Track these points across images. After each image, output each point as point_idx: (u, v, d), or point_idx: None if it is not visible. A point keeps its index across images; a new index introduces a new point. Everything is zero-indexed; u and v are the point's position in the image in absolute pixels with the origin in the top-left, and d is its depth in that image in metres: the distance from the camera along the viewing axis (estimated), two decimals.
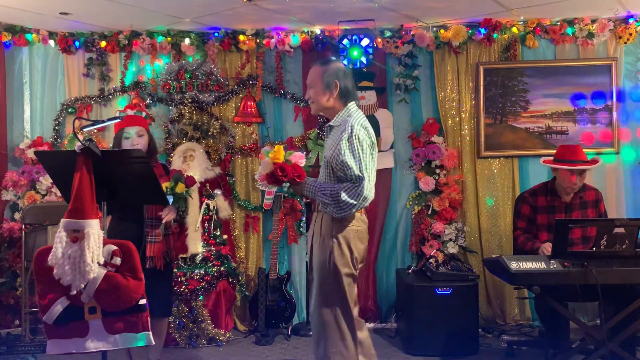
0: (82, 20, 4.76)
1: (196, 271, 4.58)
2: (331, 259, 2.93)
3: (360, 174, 2.83)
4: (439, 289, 4.20)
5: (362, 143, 2.88)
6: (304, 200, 3.15)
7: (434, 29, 4.96)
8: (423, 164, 5.01)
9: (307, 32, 5.03)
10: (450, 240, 4.90)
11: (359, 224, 3.05)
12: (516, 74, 4.96)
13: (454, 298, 4.19)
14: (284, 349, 4.46)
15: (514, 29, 4.90)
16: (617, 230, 3.34)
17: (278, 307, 4.68)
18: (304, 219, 5.02)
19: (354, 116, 2.95)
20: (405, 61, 5.02)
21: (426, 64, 5.08)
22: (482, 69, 4.96)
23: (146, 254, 3.34)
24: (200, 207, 4.74)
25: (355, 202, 2.84)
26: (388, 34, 5.01)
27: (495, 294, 5.00)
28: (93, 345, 2.66)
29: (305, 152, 4.80)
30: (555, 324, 3.92)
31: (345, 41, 4.81)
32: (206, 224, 4.78)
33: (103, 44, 5.08)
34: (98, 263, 2.59)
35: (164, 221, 3.40)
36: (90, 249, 2.56)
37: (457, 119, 5.04)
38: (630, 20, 4.82)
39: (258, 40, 5.06)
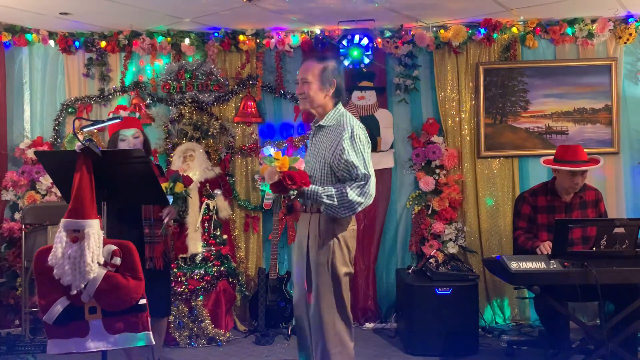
0: (82, 20, 4.76)
1: (196, 271, 4.58)
2: (333, 260, 2.94)
3: (366, 172, 2.86)
4: (439, 289, 4.20)
5: (364, 142, 2.94)
6: (286, 201, 3.12)
7: (434, 29, 4.97)
8: (423, 164, 5.01)
9: (307, 32, 5.03)
10: (450, 240, 4.91)
11: (355, 223, 3.07)
12: (516, 74, 4.96)
13: (454, 298, 4.19)
14: (284, 349, 4.46)
15: (514, 29, 4.90)
16: (617, 230, 3.34)
17: (278, 307, 4.68)
18: None
19: (348, 116, 2.99)
20: (405, 61, 5.02)
21: (426, 64, 5.08)
22: (482, 69, 4.96)
23: (145, 255, 3.33)
24: (200, 207, 4.75)
25: (362, 201, 2.86)
26: (388, 34, 5.01)
27: (495, 294, 5.00)
28: (93, 345, 2.66)
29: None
30: (555, 324, 3.92)
31: (345, 41, 4.81)
32: (206, 224, 4.78)
33: (103, 44, 5.08)
34: (98, 263, 2.59)
35: (165, 221, 3.40)
36: (90, 249, 2.56)
37: (457, 119, 5.05)
38: (630, 20, 4.82)
39: (258, 40, 5.06)
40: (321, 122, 3.01)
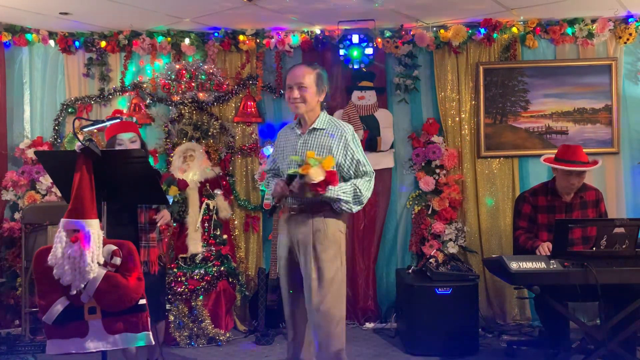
0: (82, 20, 4.76)
1: (196, 271, 4.58)
2: (342, 254, 3.11)
3: (371, 169, 3.11)
4: (439, 289, 4.20)
5: (360, 143, 3.17)
6: (274, 202, 3.13)
7: (434, 29, 4.96)
8: (423, 164, 5.01)
9: (307, 32, 5.03)
10: (450, 240, 4.91)
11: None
12: (516, 74, 4.96)
13: (454, 298, 4.19)
14: (284, 349, 4.44)
15: (514, 29, 4.90)
16: (617, 230, 3.34)
17: (278, 307, 4.67)
18: None
19: (335, 119, 3.20)
20: (405, 61, 5.02)
21: (426, 64, 5.08)
22: (482, 69, 4.96)
23: (141, 258, 3.31)
24: (200, 207, 4.75)
25: (369, 195, 3.09)
26: (388, 34, 5.01)
27: (495, 294, 5.00)
28: (93, 345, 2.65)
29: None
30: (555, 324, 3.92)
31: (345, 41, 4.82)
32: (206, 224, 4.78)
33: (103, 44, 5.08)
34: (98, 263, 2.59)
35: (158, 224, 3.37)
36: (90, 249, 2.56)
37: (457, 119, 5.04)
38: (630, 20, 4.82)
39: (258, 40, 5.06)
40: (315, 125, 3.11)
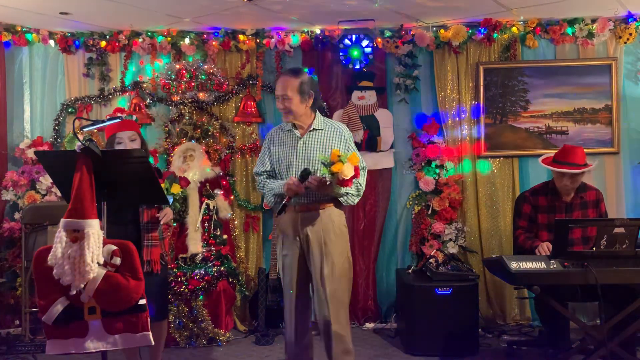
0: (82, 20, 4.76)
1: (196, 271, 4.58)
2: (348, 246, 3.29)
3: (365, 164, 3.27)
4: (439, 289, 4.20)
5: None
6: (285, 200, 3.15)
7: (434, 29, 4.96)
8: (423, 164, 5.01)
9: (307, 32, 5.03)
10: (450, 240, 4.90)
11: None
12: (516, 74, 4.96)
13: (454, 298, 4.19)
14: (284, 348, 4.45)
15: (514, 29, 4.90)
16: (617, 230, 3.34)
17: (278, 307, 4.67)
18: None
19: (330, 120, 3.38)
20: (405, 61, 5.02)
21: (426, 64, 5.08)
22: (482, 69, 4.96)
23: (143, 258, 3.31)
24: (200, 207, 4.75)
25: (364, 187, 3.26)
26: (388, 34, 5.01)
27: (495, 294, 5.00)
28: (93, 345, 2.65)
29: None
30: (555, 324, 3.92)
31: (345, 41, 4.82)
32: (206, 224, 4.78)
33: (103, 44, 5.08)
34: (98, 263, 2.59)
35: (162, 223, 3.38)
36: (90, 249, 2.55)
37: (457, 119, 5.04)
38: (630, 20, 4.82)
39: (258, 40, 5.06)
40: (314, 126, 3.25)
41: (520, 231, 4.03)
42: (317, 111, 3.32)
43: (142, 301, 2.67)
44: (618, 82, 4.91)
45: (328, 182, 2.99)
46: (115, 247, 2.65)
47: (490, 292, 4.99)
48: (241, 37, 5.03)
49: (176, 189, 3.44)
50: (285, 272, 3.30)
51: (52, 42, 5.06)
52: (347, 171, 2.94)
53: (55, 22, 4.82)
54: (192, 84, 4.95)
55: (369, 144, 4.96)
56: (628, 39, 4.85)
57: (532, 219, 4.02)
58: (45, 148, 4.95)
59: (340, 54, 4.85)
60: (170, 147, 4.97)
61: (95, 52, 5.11)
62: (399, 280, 4.69)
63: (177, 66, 4.95)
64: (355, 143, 3.70)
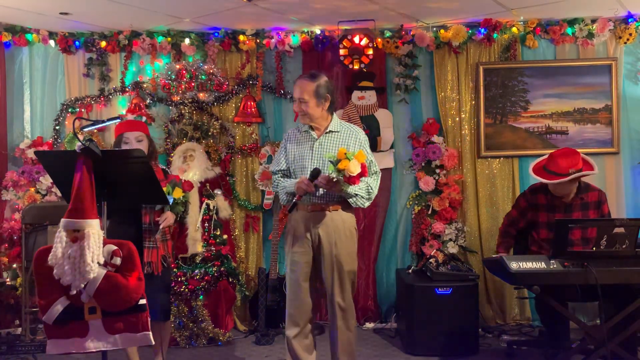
0: (82, 20, 4.76)
1: (196, 271, 4.58)
2: (355, 248, 3.39)
3: (379, 169, 3.39)
4: (439, 289, 4.20)
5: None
6: (295, 199, 3.27)
7: (434, 29, 4.96)
8: (423, 164, 5.01)
9: (307, 32, 5.03)
10: (450, 240, 4.91)
11: None
12: (516, 74, 4.96)
13: (454, 298, 4.19)
14: (284, 349, 4.43)
15: (514, 29, 4.90)
16: (617, 230, 3.34)
17: (278, 307, 4.67)
18: None
19: (347, 123, 3.48)
20: (405, 61, 5.02)
21: (426, 64, 5.08)
22: (482, 69, 4.96)
23: (143, 259, 3.31)
24: (200, 207, 4.75)
25: (376, 192, 3.35)
26: (388, 34, 5.01)
27: (495, 294, 5.00)
28: (93, 345, 2.65)
29: None
30: (555, 324, 3.92)
31: (345, 41, 4.81)
32: (206, 224, 4.78)
33: (103, 44, 5.08)
34: (98, 263, 2.59)
35: (161, 227, 3.36)
36: (90, 249, 2.55)
37: (457, 119, 5.04)
38: (630, 20, 4.82)
39: (258, 40, 5.06)
40: (330, 128, 3.35)
41: (506, 218, 4.20)
42: (334, 113, 3.41)
43: (143, 301, 2.67)
44: (618, 82, 4.90)
45: (335, 180, 3.05)
46: (115, 247, 2.65)
47: (490, 292, 4.99)
48: (241, 37, 5.03)
49: (178, 193, 3.41)
50: (292, 267, 3.37)
51: (52, 42, 5.06)
52: (354, 168, 2.99)
53: (55, 22, 4.82)
54: (192, 84, 4.95)
55: (369, 144, 4.95)
56: (628, 39, 4.85)
57: (522, 214, 4.08)
58: (45, 148, 4.95)
59: (340, 54, 4.85)
60: (170, 147, 4.97)
61: (95, 52, 5.11)
62: (399, 280, 4.69)
63: (177, 66, 4.95)
64: None
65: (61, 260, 2.55)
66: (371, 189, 3.29)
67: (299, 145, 3.38)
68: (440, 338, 4.17)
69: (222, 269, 4.68)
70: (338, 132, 3.36)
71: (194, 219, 4.67)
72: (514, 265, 3.35)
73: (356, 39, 4.79)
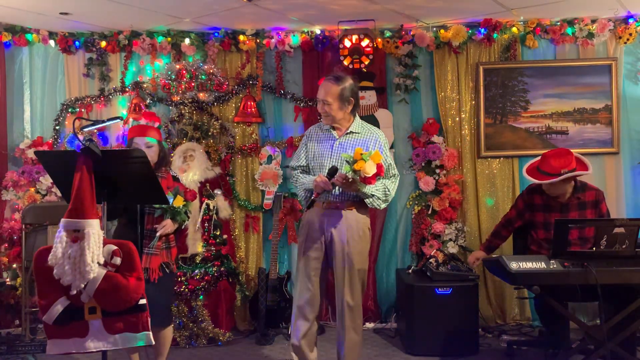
0: (82, 20, 4.76)
1: (196, 271, 4.58)
2: (368, 249, 3.46)
3: (397, 172, 3.46)
4: (439, 289, 4.20)
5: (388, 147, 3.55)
6: (313, 196, 3.29)
7: (434, 29, 4.97)
8: (423, 164, 5.01)
9: (307, 32, 5.03)
10: (450, 240, 4.91)
11: None
12: (516, 74, 4.96)
13: (454, 298, 4.19)
14: (284, 349, 4.45)
15: (514, 29, 4.90)
16: (617, 230, 3.34)
17: (278, 307, 4.67)
18: None
19: (368, 125, 3.49)
20: (405, 61, 5.02)
21: (426, 64, 5.08)
22: (482, 69, 4.96)
23: (142, 264, 3.28)
24: (200, 207, 4.75)
25: (394, 194, 3.43)
26: (388, 34, 5.02)
27: (495, 294, 5.00)
28: (93, 345, 2.65)
29: None
30: (555, 324, 3.92)
31: (345, 41, 4.81)
32: (206, 224, 4.78)
33: (103, 44, 5.08)
34: (98, 263, 2.59)
35: (158, 234, 3.31)
36: (90, 249, 2.55)
37: (457, 119, 5.05)
38: (630, 20, 4.82)
39: (258, 40, 5.06)
40: (351, 129, 3.40)
41: (504, 217, 4.25)
42: (357, 115, 3.47)
43: (143, 301, 2.68)
44: (618, 82, 4.91)
45: (350, 179, 3.09)
46: (115, 247, 2.66)
47: (490, 292, 4.99)
48: (241, 37, 5.03)
49: (179, 202, 3.36)
50: (305, 262, 3.41)
51: (52, 42, 5.07)
52: (369, 169, 3.03)
53: (55, 22, 4.82)
54: (192, 84, 4.95)
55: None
56: (628, 39, 4.85)
57: (520, 214, 4.10)
58: (45, 148, 4.95)
59: (340, 54, 4.85)
60: (170, 147, 4.97)
61: (95, 52, 5.12)
62: (399, 280, 4.69)
63: (177, 66, 4.95)
64: None
65: (61, 260, 2.55)
66: (388, 191, 3.34)
67: (320, 143, 3.44)
68: (440, 338, 4.17)
69: (222, 269, 4.68)
70: (359, 133, 3.40)
71: (194, 219, 4.66)
72: (513, 265, 3.35)
73: (356, 39, 4.80)
